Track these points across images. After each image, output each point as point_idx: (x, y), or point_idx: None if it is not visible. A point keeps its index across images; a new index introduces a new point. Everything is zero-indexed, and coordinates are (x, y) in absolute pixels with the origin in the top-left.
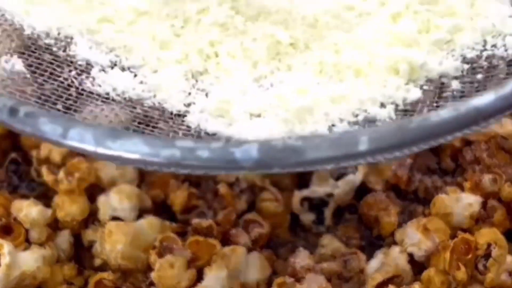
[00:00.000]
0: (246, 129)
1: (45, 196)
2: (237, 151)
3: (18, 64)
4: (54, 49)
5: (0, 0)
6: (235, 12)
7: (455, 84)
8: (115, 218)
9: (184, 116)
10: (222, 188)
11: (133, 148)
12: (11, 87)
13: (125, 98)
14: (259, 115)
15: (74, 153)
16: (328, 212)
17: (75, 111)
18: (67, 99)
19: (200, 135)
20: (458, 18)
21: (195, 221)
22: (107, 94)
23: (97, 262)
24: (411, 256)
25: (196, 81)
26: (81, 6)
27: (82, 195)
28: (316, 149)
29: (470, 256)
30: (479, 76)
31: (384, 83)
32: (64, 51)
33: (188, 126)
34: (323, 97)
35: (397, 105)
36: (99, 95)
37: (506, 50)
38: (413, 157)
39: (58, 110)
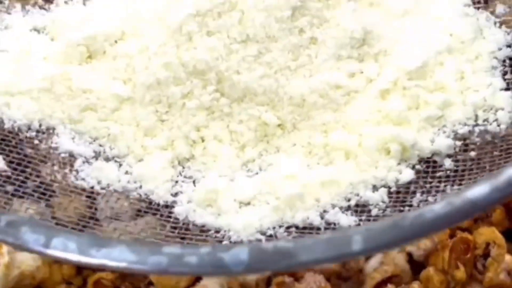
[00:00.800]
0: (236, 220)
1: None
2: (226, 256)
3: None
4: (36, 142)
5: None
6: (220, 95)
7: (448, 163)
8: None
9: (172, 207)
10: None
11: (119, 257)
12: None
13: (110, 192)
14: (248, 203)
15: None
16: None
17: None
18: (50, 196)
19: (188, 228)
20: (448, 93)
21: None
22: (92, 188)
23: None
24: (410, 255)
25: (183, 168)
26: (63, 95)
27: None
28: (308, 250)
29: (469, 255)
30: (472, 154)
31: (375, 165)
32: (46, 143)
33: (176, 218)
34: (313, 182)
35: (389, 187)
36: (83, 189)
37: (498, 125)
38: None
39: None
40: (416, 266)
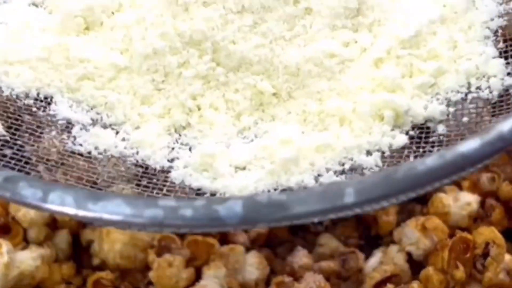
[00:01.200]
0: (231, 183)
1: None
2: (221, 209)
3: None
4: (34, 109)
5: None
6: (216, 64)
7: (441, 128)
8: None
9: (168, 172)
10: None
11: (116, 210)
12: None
13: (107, 157)
14: (244, 168)
15: None
16: None
17: (56, 172)
18: (48, 160)
19: (184, 191)
20: (441, 61)
21: None
22: (89, 153)
23: (96, 261)
24: (409, 255)
25: (179, 135)
26: (60, 64)
27: None
28: (301, 203)
29: (468, 255)
30: (465, 119)
31: (369, 130)
32: (44, 111)
33: (172, 182)
34: (308, 146)
35: (383, 152)
36: (81, 154)
37: (491, 92)
38: None
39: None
40: (416, 265)
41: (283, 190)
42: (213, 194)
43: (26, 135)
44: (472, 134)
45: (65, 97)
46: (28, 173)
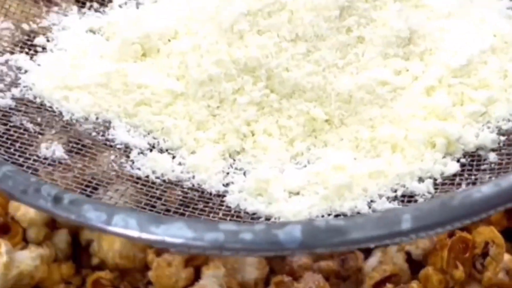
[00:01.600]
0: (286, 208)
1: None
2: (280, 233)
3: (58, 150)
4: (93, 133)
5: (39, 88)
6: (270, 91)
7: (493, 157)
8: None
9: (224, 196)
10: None
11: (177, 233)
12: (53, 174)
13: (164, 181)
14: (297, 193)
15: None
16: None
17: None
18: (108, 183)
19: (240, 215)
20: (492, 90)
21: None
22: (147, 177)
23: (95, 261)
24: (408, 254)
25: (234, 160)
26: (118, 90)
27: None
28: (359, 228)
29: (467, 254)
30: None
31: (421, 157)
32: (103, 135)
33: (227, 207)
34: (360, 173)
35: (435, 179)
36: (139, 178)
37: None
38: None
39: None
40: (415, 265)
41: (337, 216)
42: (268, 219)
43: (86, 158)
44: None
45: (123, 122)
46: (89, 196)
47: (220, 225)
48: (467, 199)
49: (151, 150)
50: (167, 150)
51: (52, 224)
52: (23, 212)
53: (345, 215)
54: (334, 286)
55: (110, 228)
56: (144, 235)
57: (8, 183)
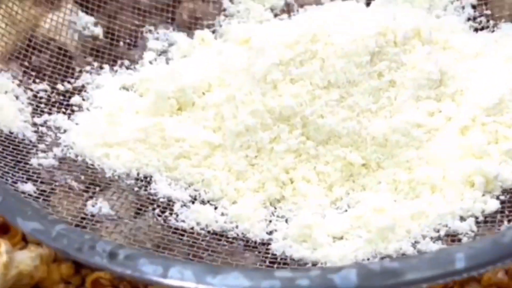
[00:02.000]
0: (331, 253)
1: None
2: (336, 278)
3: (104, 207)
4: (136, 188)
5: (79, 146)
6: (306, 138)
7: None
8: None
9: (269, 244)
10: None
11: (234, 282)
12: (101, 231)
13: (209, 232)
14: (341, 238)
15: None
16: None
17: (164, 248)
18: (155, 237)
19: (286, 262)
20: None
21: None
22: (192, 228)
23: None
24: None
25: (275, 208)
26: (157, 144)
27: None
28: (414, 269)
29: None
30: None
31: (461, 197)
32: (145, 190)
33: (273, 254)
34: (402, 214)
35: (476, 217)
36: (184, 230)
37: None
38: None
39: (148, 249)
40: None
41: (383, 258)
42: (314, 264)
43: (132, 213)
44: None
45: (163, 176)
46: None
47: (275, 272)
48: None
49: (193, 202)
50: (208, 202)
51: None
52: None
53: (390, 257)
54: None
55: (167, 280)
56: (201, 286)
57: (62, 242)
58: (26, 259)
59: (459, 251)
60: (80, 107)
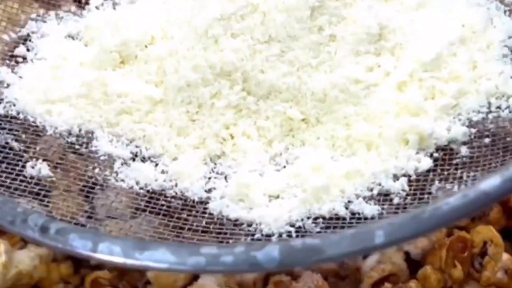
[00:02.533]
0: (266, 213)
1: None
2: (259, 254)
3: (44, 168)
4: (77, 146)
5: (22, 103)
6: (247, 93)
7: (464, 150)
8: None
9: (206, 203)
10: None
11: (160, 258)
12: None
13: (148, 191)
14: (277, 197)
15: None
16: None
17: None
18: (93, 198)
19: (222, 223)
20: (462, 82)
21: None
22: (131, 188)
23: (94, 260)
24: (407, 254)
25: (215, 164)
26: (99, 100)
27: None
28: (334, 246)
29: (466, 254)
30: (487, 140)
31: (396, 154)
32: (87, 147)
33: (210, 214)
34: (337, 173)
35: (409, 176)
36: (123, 190)
37: (510, 112)
38: None
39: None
40: (414, 264)
41: (316, 223)
42: (249, 225)
43: (72, 174)
44: (494, 157)
45: (105, 132)
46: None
47: (201, 249)
48: (436, 211)
49: (134, 160)
50: (149, 158)
51: None
52: None
53: (323, 217)
54: (332, 285)
55: (96, 255)
56: (129, 261)
57: None
58: (25, 259)
59: (378, 228)
60: (24, 58)
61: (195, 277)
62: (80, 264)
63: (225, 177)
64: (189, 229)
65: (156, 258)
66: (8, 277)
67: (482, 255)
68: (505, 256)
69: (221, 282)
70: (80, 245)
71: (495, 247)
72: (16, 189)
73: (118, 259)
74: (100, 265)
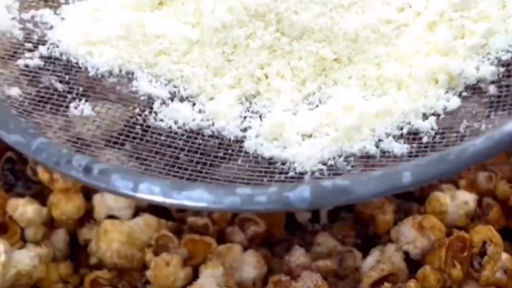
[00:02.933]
0: (299, 152)
1: (41, 194)
2: (291, 195)
3: (87, 108)
4: (118, 87)
5: (65, 44)
6: (280, 34)
7: (492, 89)
8: (111, 217)
9: (242, 142)
10: None
11: (198, 197)
12: (83, 134)
13: (186, 130)
14: (310, 136)
15: None
16: (323, 211)
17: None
18: (134, 138)
19: (258, 161)
20: (491, 22)
21: (191, 219)
22: (170, 128)
23: (93, 260)
24: (406, 254)
25: (250, 104)
26: (139, 41)
27: (78, 194)
28: (363, 187)
29: (465, 253)
30: None
31: (425, 94)
32: (127, 88)
33: (246, 152)
34: (368, 113)
35: (438, 115)
36: (162, 129)
37: None
38: None
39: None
40: (413, 264)
41: (348, 162)
42: (283, 163)
43: (112, 114)
44: None
45: (144, 73)
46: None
47: (237, 189)
48: (462, 153)
49: (172, 100)
50: (187, 98)
51: (50, 224)
52: (21, 211)
53: (354, 156)
54: (332, 285)
55: (137, 195)
56: (168, 201)
57: (42, 155)
58: (25, 258)
59: (405, 169)
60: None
61: (194, 277)
62: (79, 264)
63: (260, 116)
64: (225, 168)
65: (194, 198)
66: (7, 277)
67: (481, 255)
68: (504, 256)
69: (221, 282)
70: (122, 185)
71: (495, 247)
72: (60, 129)
73: (158, 198)
74: (99, 265)
